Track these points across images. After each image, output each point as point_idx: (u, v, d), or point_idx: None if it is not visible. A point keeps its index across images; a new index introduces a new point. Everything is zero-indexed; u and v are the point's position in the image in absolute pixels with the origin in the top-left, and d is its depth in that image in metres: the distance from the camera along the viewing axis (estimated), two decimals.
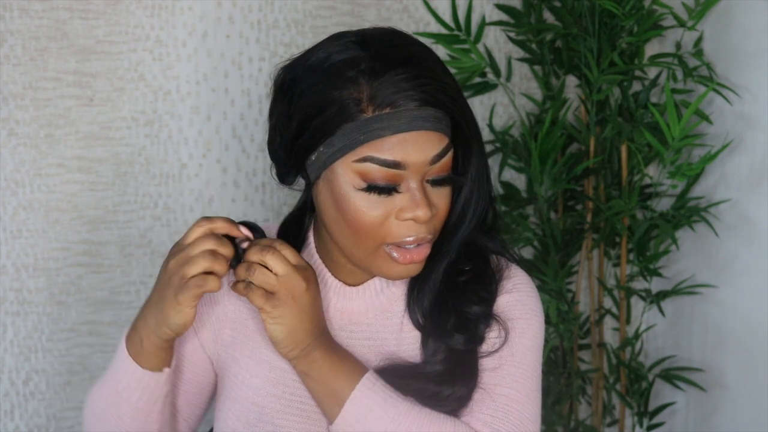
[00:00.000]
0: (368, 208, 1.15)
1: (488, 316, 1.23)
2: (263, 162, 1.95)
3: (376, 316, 1.27)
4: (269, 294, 1.17)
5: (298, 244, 1.29)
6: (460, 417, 1.21)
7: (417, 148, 1.14)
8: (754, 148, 1.92)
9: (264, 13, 1.93)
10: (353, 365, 1.20)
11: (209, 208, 1.95)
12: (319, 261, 1.28)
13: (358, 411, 1.17)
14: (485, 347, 1.23)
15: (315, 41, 1.93)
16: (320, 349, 1.20)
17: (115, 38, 1.86)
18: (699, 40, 1.99)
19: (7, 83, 1.82)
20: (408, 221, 1.16)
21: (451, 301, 1.24)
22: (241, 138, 1.95)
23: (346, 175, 1.15)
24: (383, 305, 1.27)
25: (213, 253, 1.15)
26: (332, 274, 1.27)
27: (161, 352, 1.23)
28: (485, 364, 1.23)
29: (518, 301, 1.26)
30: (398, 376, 1.22)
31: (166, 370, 1.24)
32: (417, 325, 1.25)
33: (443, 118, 1.16)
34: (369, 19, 1.98)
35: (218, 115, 1.93)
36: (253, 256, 1.17)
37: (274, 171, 1.25)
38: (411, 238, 1.17)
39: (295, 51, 1.94)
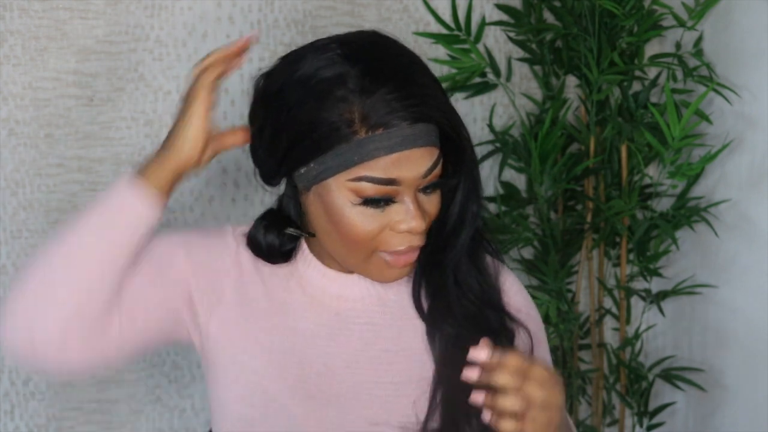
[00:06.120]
0: (363, 222, 1.17)
1: (500, 310, 1.27)
2: None
3: (372, 302, 1.28)
4: (520, 416, 1.07)
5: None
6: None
7: (411, 166, 1.15)
8: (754, 148, 1.92)
9: (264, 13, 1.93)
10: None
11: (209, 208, 1.95)
12: (311, 256, 1.29)
13: None
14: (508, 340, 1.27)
15: None
16: None
17: (115, 38, 1.86)
18: (699, 40, 1.99)
19: (7, 83, 1.82)
20: (403, 232, 1.18)
21: (456, 292, 1.26)
22: None
23: (339, 192, 1.16)
24: (378, 293, 1.28)
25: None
26: (326, 266, 1.28)
27: (165, 182, 1.20)
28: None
29: (519, 292, 1.33)
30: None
31: (160, 203, 1.20)
32: (423, 317, 1.27)
33: (434, 130, 1.17)
34: (369, 19, 1.97)
35: (218, 115, 1.93)
36: (504, 379, 1.06)
37: (257, 173, 1.25)
38: (404, 247, 1.19)
39: None
